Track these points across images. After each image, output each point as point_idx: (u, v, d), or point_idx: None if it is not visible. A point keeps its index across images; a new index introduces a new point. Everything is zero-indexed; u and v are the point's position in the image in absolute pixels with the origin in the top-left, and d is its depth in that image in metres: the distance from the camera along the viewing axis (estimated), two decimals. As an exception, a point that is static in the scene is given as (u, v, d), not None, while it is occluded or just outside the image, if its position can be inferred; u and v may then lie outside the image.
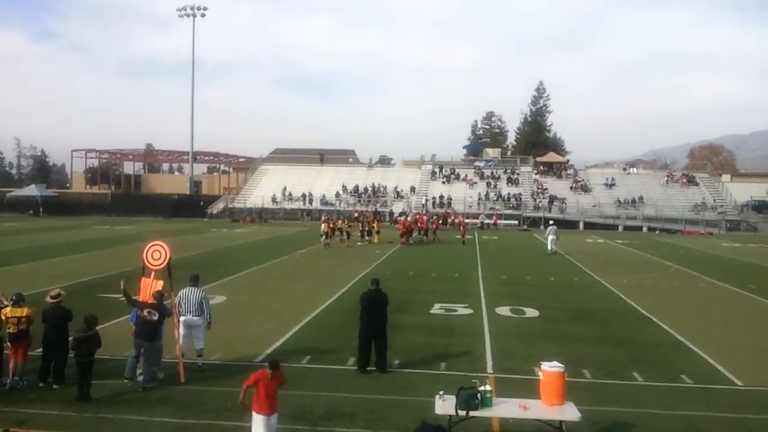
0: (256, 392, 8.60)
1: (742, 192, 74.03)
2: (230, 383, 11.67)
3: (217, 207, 74.07)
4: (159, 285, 12.26)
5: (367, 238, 42.17)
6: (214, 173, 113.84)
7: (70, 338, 11.40)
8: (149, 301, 11.89)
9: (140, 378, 11.57)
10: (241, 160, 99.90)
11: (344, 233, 40.52)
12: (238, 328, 16.11)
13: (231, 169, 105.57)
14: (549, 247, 36.88)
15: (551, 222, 40.27)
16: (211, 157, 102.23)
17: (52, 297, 11.88)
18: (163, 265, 12.46)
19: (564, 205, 68.13)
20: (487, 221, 62.13)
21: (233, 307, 18.90)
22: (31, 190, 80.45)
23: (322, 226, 39.76)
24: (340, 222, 41.20)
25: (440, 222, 52.62)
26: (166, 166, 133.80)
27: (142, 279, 12.45)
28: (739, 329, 17.75)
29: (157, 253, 12.49)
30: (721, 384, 12.54)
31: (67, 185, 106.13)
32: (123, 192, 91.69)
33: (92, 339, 11.02)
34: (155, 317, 11.60)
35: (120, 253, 34.01)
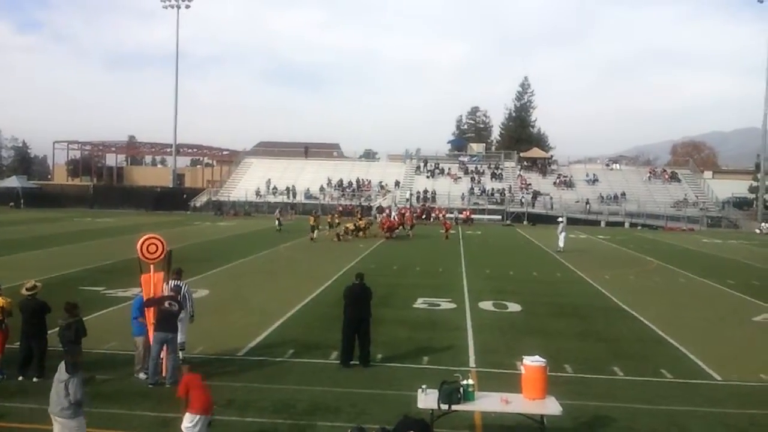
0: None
1: (724, 189, 74.75)
2: (212, 377, 11.64)
3: (201, 200, 73.68)
4: (160, 277, 12.18)
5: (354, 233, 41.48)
6: (198, 166, 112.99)
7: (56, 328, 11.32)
8: (163, 294, 11.82)
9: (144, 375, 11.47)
10: (224, 152, 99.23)
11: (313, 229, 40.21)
12: (220, 322, 16.05)
13: (215, 162, 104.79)
14: (560, 244, 35.91)
15: (560, 218, 39.21)
16: (195, 150, 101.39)
17: (27, 289, 11.77)
18: (159, 258, 12.36)
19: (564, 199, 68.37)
20: (458, 216, 61.98)
21: (216, 301, 18.83)
22: (12, 182, 79.67)
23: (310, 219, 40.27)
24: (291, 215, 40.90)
25: (419, 216, 52.43)
26: (148, 159, 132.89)
27: (142, 276, 12.26)
28: (718, 324, 17.94)
29: (153, 246, 12.36)
30: (700, 379, 12.67)
31: (49, 177, 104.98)
32: (105, 184, 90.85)
33: (72, 326, 10.95)
34: (176, 308, 11.52)
35: (102, 245, 33.81)
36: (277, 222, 47.11)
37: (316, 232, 39.05)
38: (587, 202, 67.60)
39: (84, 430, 7.99)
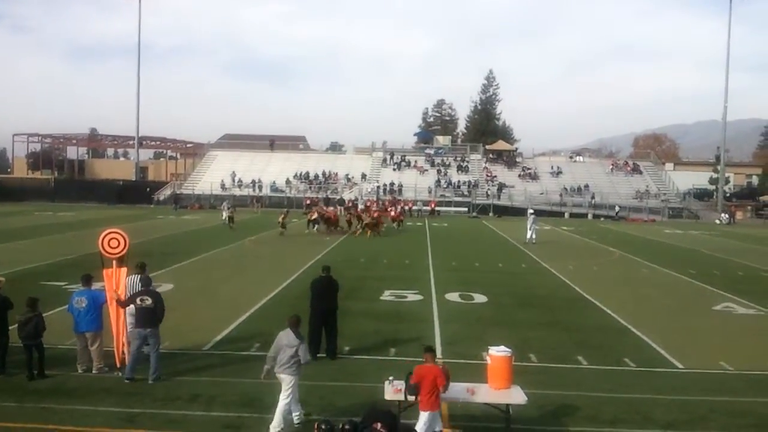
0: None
1: (685, 180, 76.20)
2: (177, 372, 11.54)
3: (164, 193, 72.80)
4: (123, 272, 11.98)
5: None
6: (161, 159, 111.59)
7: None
8: (134, 291, 11.65)
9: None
10: (189, 145, 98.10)
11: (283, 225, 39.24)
12: (185, 316, 15.85)
13: (178, 155, 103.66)
14: (528, 236, 36.14)
15: (531, 211, 39.36)
16: (158, 143, 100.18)
17: None
18: (122, 253, 12.14)
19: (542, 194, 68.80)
20: (423, 207, 62.51)
21: (181, 295, 18.61)
22: (-30, 176, 77.84)
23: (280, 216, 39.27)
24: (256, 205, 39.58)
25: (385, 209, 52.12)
26: (111, 152, 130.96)
27: (104, 271, 12.05)
28: (680, 313, 18.25)
29: (114, 241, 12.16)
30: (662, 367, 12.88)
31: (9, 170, 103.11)
32: (66, 177, 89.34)
33: (31, 321, 10.77)
34: (149, 302, 11.25)
35: (63, 240, 33.24)
36: (228, 219, 42.52)
37: (286, 227, 38.06)
38: (592, 197, 68.20)
39: (297, 386, 9.47)
